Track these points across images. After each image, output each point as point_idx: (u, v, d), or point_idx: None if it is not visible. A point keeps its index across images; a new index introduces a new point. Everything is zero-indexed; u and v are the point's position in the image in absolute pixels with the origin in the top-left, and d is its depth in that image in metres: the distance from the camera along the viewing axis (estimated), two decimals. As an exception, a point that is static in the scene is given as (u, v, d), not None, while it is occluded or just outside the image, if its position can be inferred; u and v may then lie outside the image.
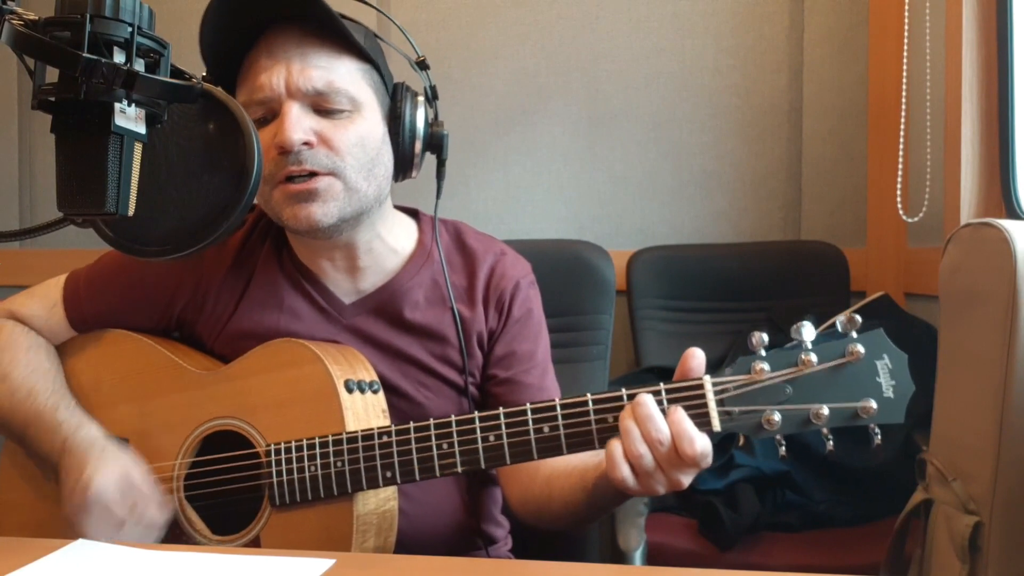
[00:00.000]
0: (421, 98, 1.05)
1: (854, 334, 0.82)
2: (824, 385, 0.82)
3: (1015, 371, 1.00)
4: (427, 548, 1.01)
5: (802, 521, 1.52)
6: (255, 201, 1.00)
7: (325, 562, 0.77)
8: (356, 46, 0.97)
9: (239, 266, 1.08)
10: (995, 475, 1.02)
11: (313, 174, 0.95)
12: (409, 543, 1.00)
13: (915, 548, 1.22)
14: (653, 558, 1.39)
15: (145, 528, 0.95)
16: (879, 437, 0.82)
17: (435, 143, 1.06)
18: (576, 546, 1.48)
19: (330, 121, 0.96)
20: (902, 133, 1.69)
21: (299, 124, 0.94)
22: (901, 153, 1.68)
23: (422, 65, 1.08)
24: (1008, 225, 1.04)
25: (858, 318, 0.82)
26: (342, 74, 0.97)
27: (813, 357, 0.81)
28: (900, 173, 1.68)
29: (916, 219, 1.65)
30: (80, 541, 0.84)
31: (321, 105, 0.96)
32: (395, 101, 1.03)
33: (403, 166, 1.04)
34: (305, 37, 0.97)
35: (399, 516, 0.98)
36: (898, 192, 1.68)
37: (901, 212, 1.66)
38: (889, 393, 0.81)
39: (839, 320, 0.83)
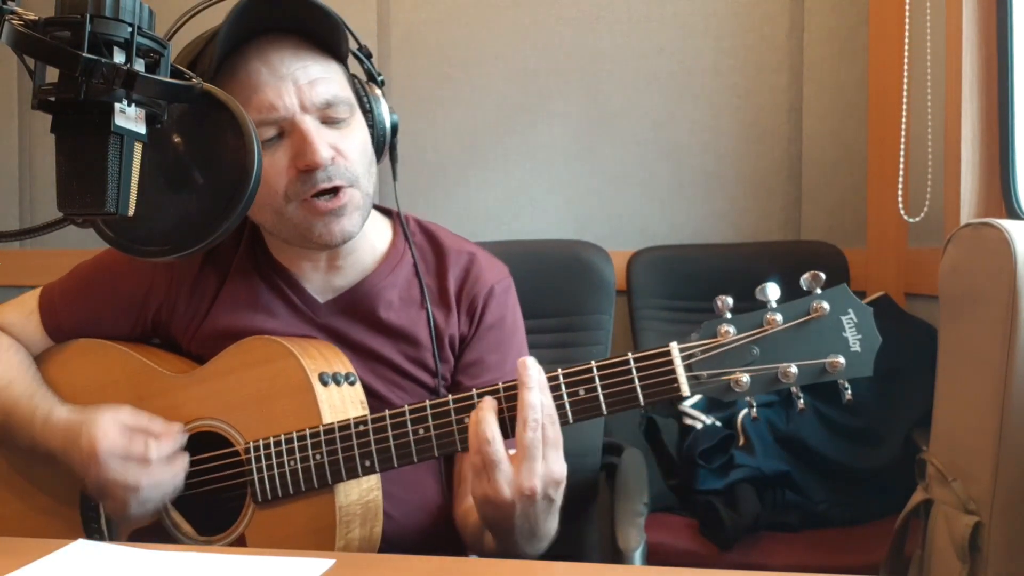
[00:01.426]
0: (378, 90, 1.05)
1: (818, 291, 0.82)
2: (791, 343, 0.82)
3: (1015, 371, 1.00)
4: (414, 551, 1.00)
5: (802, 521, 1.52)
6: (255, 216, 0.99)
7: (325, 562, 0.77)
8: (341, 51, 0.97)
9: (212, 265, 1.08)
10: (995, 475, 1.02)
11: (339, 188, 0.95)
12: (397, 542, 1.00)
13: (915, 548, 1.22)
14: (653, 558, 1.39)
15: (168, 458, 0.95)
16: (849, 392, 0.82)
17: (392, 129, 1.06)
18: (576, 546, 1.48)
19: (337, 131, 0.96)
20: (903, 133, 1.69)
21: (323, 141, 0.93)
22: (902, 153, 1.68)
23: (367, 54, 1.07)
24: (1008, 225, 1.04)
25: (822, 275, 0.82)
26: (339, 82, 0.97)
27: (778, 317, 0.82)
28: (901, 173, 1.68)
29: (918, 219, 1.65)
30: (80, 541, 0.83)
31: (328, 116, 0.95)
32: (359, 96, 1.02)
33: (377, 157, 1.04)
34: (300, 47, 0.96)
35: (384, 520, 0.98)
36: (899, 192, 1.68)
37: (902, 212, 1.66)
38: (856, 347, 0.81)
39: (803, 278, 0.82)
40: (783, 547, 1.46)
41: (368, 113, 1.02)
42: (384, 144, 1.04)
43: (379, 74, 1.07)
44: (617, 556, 1.28)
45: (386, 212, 1.15)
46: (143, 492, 0.93)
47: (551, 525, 0.90)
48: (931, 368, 1.20)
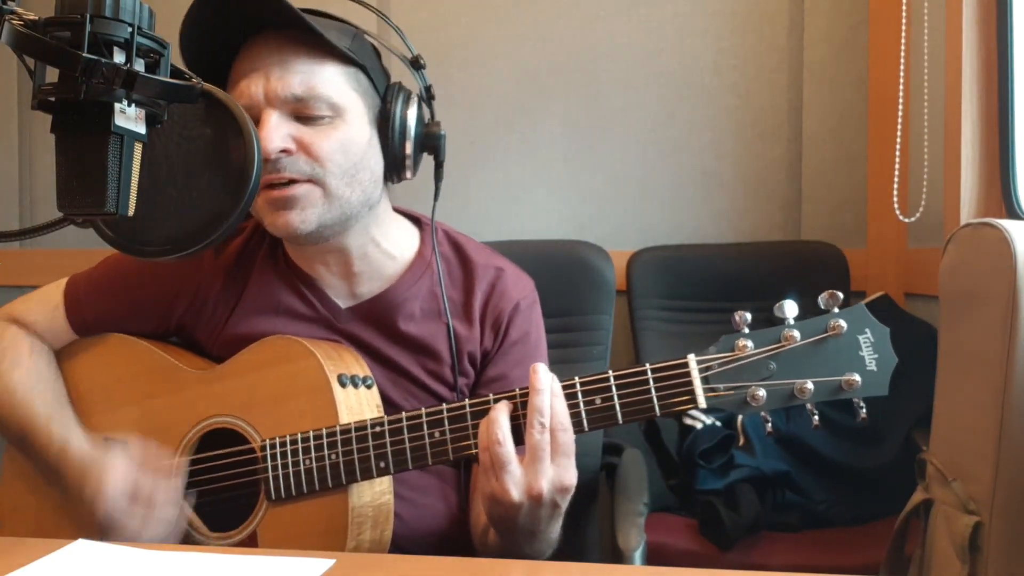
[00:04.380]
0: (415, 97, 1.03)
1: (836, 309, 0.83)
2: (808, 360, 0.83)
3: (1015, 371, 1.00)
4: (423, 551, 1.01)
5: (802, 521, 1.52)
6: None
7: (325, 562, 0.77)
8: (338, 51, 0.96)
9: (237, 271, 1.08)
10: (995, 475, 1.02)
11: (292, 181, 0.95)
12: (406, 546, 1.00)
13: (915, 548, 1.22)
14: (653, 558, 1.39)
15: (165, 524, 0.96)
16: (864, 411, 0.83)
17: (430, 144, 1.03)
18: (576, 546, 1.48)
19: (311, 128, 0.95)
20: (900, 133, 1.69)
21: (277, 131, 0.93)
22: (898, 153, 1.68)
23: (416, 64, 1.06)
24: (1008, 225, 1.04)
25: (839, 294, 0.83)
26: (323, 79, 0.96)
27: (796, 333, 0.82)
28: (897, 173, 1.68)
29: (913, 219, 1.65)
30: (80, 541, 0.83)
31: (301, 112, 0.95)
32: (386, 102, 1.01)
33: (395, 167, 1.02)
34: (286, 44, 0.96)
35: (395, 521, 0.98)
36: (895, 192, 1.68)
37: (897, 212, 1.65)
38: (872, 366, 0.82)
39: (821, 297, 0.83)
40: (783, 547, 1.46)
41: (386, 120, 1.00)
42: (402, 155, 1.01)
43: (428, 86, 1.05)
44: (617, 556, 1.28)
45: (416, 221, 1.14)
46: (148, 529, 0.95)
47: (554, 530, 0.90)
48: (931, 368, 1.20)
